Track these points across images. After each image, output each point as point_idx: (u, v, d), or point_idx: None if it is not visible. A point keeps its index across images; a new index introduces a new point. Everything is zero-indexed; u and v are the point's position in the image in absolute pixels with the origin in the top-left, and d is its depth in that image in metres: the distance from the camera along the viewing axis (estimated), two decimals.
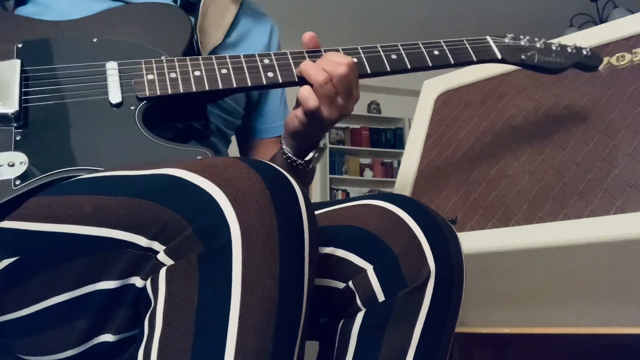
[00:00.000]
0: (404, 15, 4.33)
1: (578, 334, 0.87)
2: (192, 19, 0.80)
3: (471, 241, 0.88)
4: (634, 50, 0.98)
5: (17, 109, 0.62)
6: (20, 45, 0.68)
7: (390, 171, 5.11)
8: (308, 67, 0.70)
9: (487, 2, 4.17)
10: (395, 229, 0.60)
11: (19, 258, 0.53)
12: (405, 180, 1.11)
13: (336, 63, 0.69)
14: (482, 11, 4.29)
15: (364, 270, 0.60)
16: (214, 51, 0.84)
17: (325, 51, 0.74)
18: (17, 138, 0.61)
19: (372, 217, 0.62)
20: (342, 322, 0.62)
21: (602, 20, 3.78)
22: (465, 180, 1.01)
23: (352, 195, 4.86)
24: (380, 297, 0.59)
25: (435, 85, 1.25)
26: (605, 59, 1.00)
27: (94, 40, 0.71)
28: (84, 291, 0.51)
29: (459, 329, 0.63)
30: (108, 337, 0.53)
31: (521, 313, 0.91)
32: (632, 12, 1.64)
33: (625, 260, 0.76)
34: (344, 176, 4.93)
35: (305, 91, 0.69)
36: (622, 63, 0.98)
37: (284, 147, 0.77)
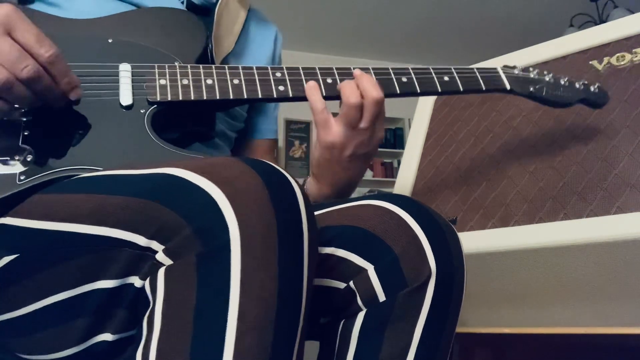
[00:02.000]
0: (405, 16, 4.33)
1: (578, 334, 0.87)
2: (207, 27, 0.80)
3: (471, 241, 0.88)
4: (634, 50, 0.98)
5: None
6: None
7: (390, 171, 5.11)
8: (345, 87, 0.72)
9: (488, 2, 4.18)
10: (396, 229, 0.60)
11: (19, 256, 0.54)
12: (405, 180, 1.11)
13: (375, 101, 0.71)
14: (482, 11, 4.29)
15: (364, 270, 0.60)
16: (225, 59, 0.84)
17: (338, 69, 0.75)
18: (25, 133, 0.61)
19: (372, 217, 0.62)
20: (342, 322, 0.62)
21: (602, 20, 3.78)
22: (465, 180, 1.01)
23: (352, 195, 4.85)
24: (381, 297, 0.59)
25: None
26: (605, 59, 1.00)
27: (109, 40, 0.71)
28: (83, 290, 0.51)
29: (459, 329, 0.63)
30: (107, 337, 0.53)
31: (521, 313, 0.91)
32: (632, 12, 1.64)
33: (625, 260, 0.76)
34: None
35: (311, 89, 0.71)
36: (622, 63, 0.98)
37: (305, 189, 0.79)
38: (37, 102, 0.59)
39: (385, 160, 5.17)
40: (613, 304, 0.81)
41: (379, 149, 5.08)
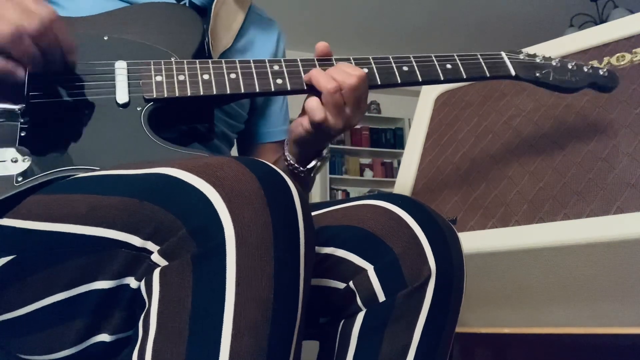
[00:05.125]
0: (405, 16, 4.33)
1: (578, 334, 0.87)
2: (204, 21, 0.79)
3: (471, 241, 0.88)
4: (634, 50, 0.98)
5: (24, 104, 0.61)
6: None
7: (390, 171, 5.11)
8: (318, 75, 0.69)
9: (487, 3, 4.17)
10: (396, 229, 0.60)
11: (16, 256, 0.53)
12: (405, 180, 1.10)
13: (347, 73, 0.69)
14: (482, 11, 4.29)
15: (364, 271, 0.60)
16: (223, 55, 0.84)
17: (337, 60, 0.73)
18: (22, 134, 0.61)
19: (372, 217, 0.62)
20: (342, 322, 0.62)
21: (602, 20, 3.78)
22: (465, 180, 1.01)
23: (352, 195, 4.86)
24: (381, 297, 0.59)
25: (435, 85, 1.24)
26: (605, 59, 1.00)
27: (105, 38, 0.71)
28: (80, 291, 0.51)
29: (459, 329, 0.63)
30: (104, 337, 0.52)
31: (521, 313, 0.91)
32: (632, 12, 1.64)
33: (625, 260, 0.76)
34: (344, 176, 4.93)
35: (312, 103, 0.69)
36: (622, 63, 0.98)
37: (286, 153, 0.77)
38: (41, 62, 0.60)
39: (385, 160, 5.17)
40: (613, 304, 0.81)
41: (379, 149, 5.09)
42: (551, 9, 4.20)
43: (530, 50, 1.07)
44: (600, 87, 0.85)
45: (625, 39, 1.00)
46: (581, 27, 3.76)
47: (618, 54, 0.99)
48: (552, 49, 1.08)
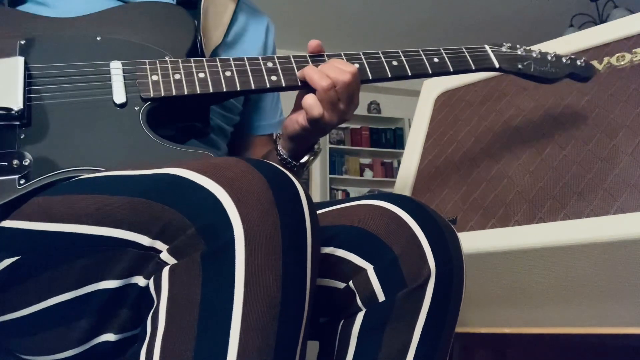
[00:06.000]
0: (405, 15, 4.33)
1: (578, 334, 0.87)
2: (195, 20, 0.80)
3: (471, 241, 0.88)
4: (634, 50, 0.98)
5: (22, 107, 0.61)
6: (23, 42, 0.68)
7: (390, 171, 5.11)
8: (312, 72, 0.71)
9: (487, 3, 4.17)
10: (396, 229, 0.60)
11: (21, 257, 0.53)
12: (405, 180, 1.11)
13: (341, 70, 0.70)
14: (481, 11, 4.29)
15: (364, 270, 0.60)
16: (215, 51, 0.84)
17: (328, 56, 0.75)
18: (22, 136, 0.61)
19: (372, 217, 0.62)
20: (342, 322, 0.62)
21: (602, 20, 3.78)
22: (465, 180, 1.01)
23: (352, 195, 4.86)
24: (381, 297, 0.59)
25: (435, 85, 1.25)
26: (605, 59, 1.00)
27: (98, 39, 0.71)
28: (86, 291, 0.51)
29: (459, 329, 0.63)
30: (110, 337, 0.53)
31: (521, 313, 0.91)
32: (632, 12, 1.64)
33: (625, 260, 0.76)
34: (344, 176, 4.93)
35: (310, 99, 0.70)
36: (622, 63, 0.98)
37: (279, 148, 0.78)
38: None
39: (385, 160, 5.17)
40: (613, 304, 0.81)
41: (379, 149, 5.09)
42: (551, 9, 4.20)
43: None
44: (578, 76, 0.88)
45: (625, 39, 1.00)
46: (581, 27, 3.76)
47: (618, 54, 0.99)
48: (552, 49, 1.08)
